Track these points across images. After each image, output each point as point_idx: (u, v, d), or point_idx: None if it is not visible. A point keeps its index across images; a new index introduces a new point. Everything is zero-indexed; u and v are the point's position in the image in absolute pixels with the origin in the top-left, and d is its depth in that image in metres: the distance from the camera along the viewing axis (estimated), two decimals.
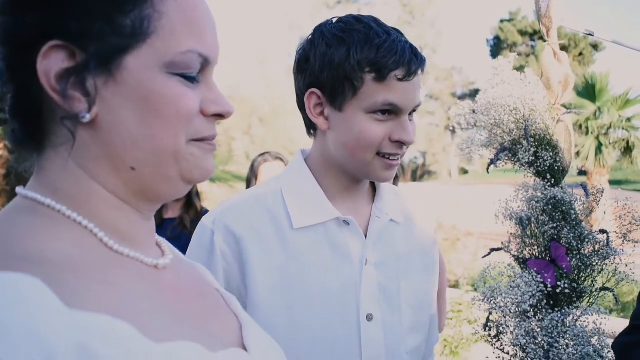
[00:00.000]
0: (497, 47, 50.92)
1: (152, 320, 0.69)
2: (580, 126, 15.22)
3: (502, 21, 51.50)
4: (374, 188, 1.50)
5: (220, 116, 0.77)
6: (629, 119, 15.45)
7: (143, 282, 0.74)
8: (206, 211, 3.53)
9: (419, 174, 54.63)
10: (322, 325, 1.32)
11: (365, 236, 1.40)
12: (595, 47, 43.42)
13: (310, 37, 1.36)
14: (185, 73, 0.72)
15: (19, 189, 0.73)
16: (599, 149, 15.14)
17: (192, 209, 3.45)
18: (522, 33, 48.65)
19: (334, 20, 1.36)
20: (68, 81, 0.68)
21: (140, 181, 0.74)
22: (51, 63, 0.67)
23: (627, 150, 14.93)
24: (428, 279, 1.54)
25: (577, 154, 14.96)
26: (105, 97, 0.69)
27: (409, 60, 1.27)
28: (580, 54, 42.50)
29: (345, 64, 1.27)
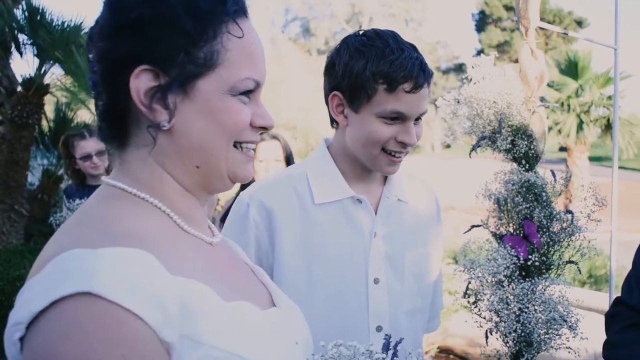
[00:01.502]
0: (482, 21, 50.56)
1: (219, 284, 0.87)
2: (562, 104, 15.29)
3: None
4: None
5: (264, 128, 0.95)
6: (610, 97, 15.49)
7: (206, 255, 0.93)
8: None
9: None
10: (335, 286, 1.55)
11: (376, 213, 1.62)
12: (579, 23, 43.44)
13: (338, 46, 1.57)
14: (243, 93, 0.89)
15: (104, 178, 0.91)
16: (580, 126, 15.20)
17: None
18: (507, 8, 48.28)
19: (360, 33, 1.56)
20: (154, 97, 0.85)
21: (202, 176, 0.91)
22: (141, 82, 0.84)
23: (608, 127, 15.03)
24: (430, 252, 1.75)
25: (559, 131, 15.06)
26: (180, 110, 0.87)
27: (417, 75, 1.47)
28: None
29: (362, 75, 1.48)
